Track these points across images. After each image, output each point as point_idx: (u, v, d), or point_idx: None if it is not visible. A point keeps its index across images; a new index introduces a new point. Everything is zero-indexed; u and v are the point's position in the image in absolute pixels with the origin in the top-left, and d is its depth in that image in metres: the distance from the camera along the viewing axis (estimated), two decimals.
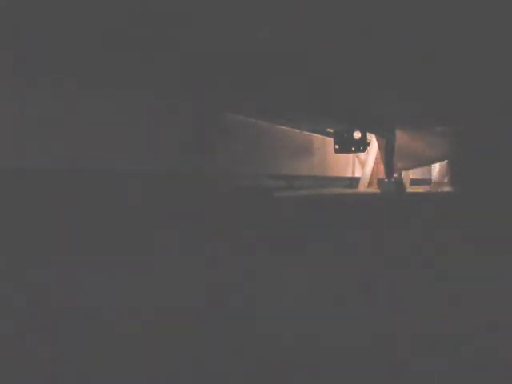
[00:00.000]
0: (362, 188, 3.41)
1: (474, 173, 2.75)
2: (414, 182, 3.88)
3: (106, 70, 1.31)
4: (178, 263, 0.81)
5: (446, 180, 3.02)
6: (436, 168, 3.73)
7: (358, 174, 3.58)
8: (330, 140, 2.78)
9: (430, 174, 3.82)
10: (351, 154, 3.40)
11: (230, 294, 0.63)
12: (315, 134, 3.00)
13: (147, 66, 1.25)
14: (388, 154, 2.60)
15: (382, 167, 2.80)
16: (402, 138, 2.70)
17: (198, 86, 1.53)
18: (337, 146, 2.59)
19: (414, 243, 1.03)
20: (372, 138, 3.28)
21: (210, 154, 1.99)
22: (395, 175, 2.61)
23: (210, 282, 0.68)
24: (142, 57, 1.18)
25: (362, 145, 2.58)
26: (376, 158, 3.41)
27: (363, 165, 3.52)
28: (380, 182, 2.69)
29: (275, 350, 0.45)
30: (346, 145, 2.57)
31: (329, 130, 2.92)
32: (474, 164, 2.70)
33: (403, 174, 2.95)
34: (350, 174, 3.58)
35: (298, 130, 2.76)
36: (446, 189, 3.04)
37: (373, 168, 3.44)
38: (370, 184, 3.42)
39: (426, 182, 3.77)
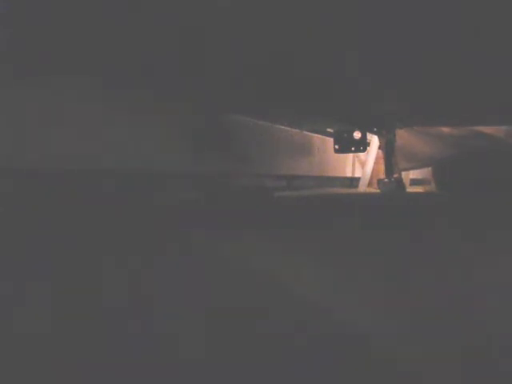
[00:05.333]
0: (362, 188, 3.41)
1: (456, 174, 2.76)
2: (414, 182, 3.88)
3: (113, 71, 1.31)
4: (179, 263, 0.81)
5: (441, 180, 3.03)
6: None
7: (357, 174, 3.58)
8: (330, 140, 2.78)
9: (431, 175, 3.82)
10: (351, 154, 3.40)
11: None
12: (315, 134, 3.00)
13: (154, 66, 1.25)
14: (388, 153, 2.60)
15: (382, 167, 2.81)
16: (402, 138, 2.70)
17: (197, 86, 1.53)
18: (337, 146, 2.60)
19: (413, 239, 1.03)
20: (372, 138, 3.29)
21: (209, 154, 1.99)
22: (395, 175, 2.61)
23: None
24: (147, 59, 1.18)
25: (362, 145, 2.58)
26: (376, 158, 3.42)
27: (363, 165, 3.52)
28: (380, 181, 2.69)
29: None
30: (346, 145, 2.58)
31: (329, 129, 2.92)
32: (456, 166, 2.72)
33: (403, 173, 2.95)
34: (349, 174, 3.59)
35: (298, 130, 2.76)
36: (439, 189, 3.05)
37: (373, 168, 3.45)
38: (369, 184, 3.42)
39: (426, 181, 3.77)
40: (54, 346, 0.47)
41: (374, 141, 3.34)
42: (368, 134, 2.65)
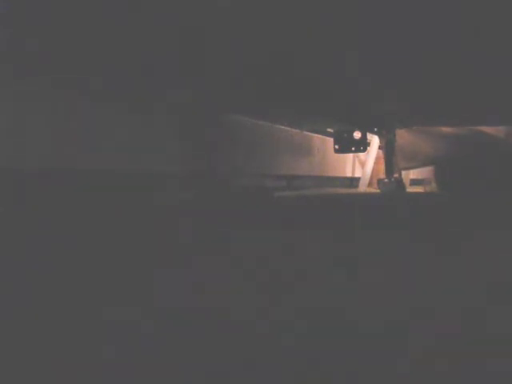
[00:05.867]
0: (362, 188, 3.42)
1: (456, 174, 2.76)
2: (414, 182, 3.87)
3: (113, 71, 1.31)
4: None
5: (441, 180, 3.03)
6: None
7: (357, 174, 3.58)
8: (330, 140, 2.78)
9: (431, 174, 3.81)
10: (351, 154, 3.40)
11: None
12: (315, 134, 3.00)
13: (153, 67, 1.25)
14: (388, 153, 2.60)
15: (382, 167, 2.81)
16: (402, 138, 2.70)
17: (197, 86, 1.53)
18: (337, 146, 2.60)
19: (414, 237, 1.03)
20: (372, 138, 3.29)
21: (210, 154, 1.99)
22: (395, 175, 2.61)
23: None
24: (147, 59, 1.18)
25: (362, 145, 2.58)
26: (376, 158, 3.42)
27: (363, 165, 3.52)
28: (380, 181, 2.70)
29: None
30: (346, 145, 2.58)
31: (329, 129, 2.93)
32: (458, 166, 2.72)
33: (403, 173, 2.95)
34: (349, 174, 3.59)
35: (298, 130, 2.76)
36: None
37: (373, 168, 3.45)
38: (369, 184, 3.42)
39: (426, 181, 3.77)
40: (52, 344, 0.47)
41: (374, 141, 3.34)
42: (368, 133, 2.65)
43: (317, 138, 3.02)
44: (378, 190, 2.75)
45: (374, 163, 3.44)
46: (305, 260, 0.85)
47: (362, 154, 3.39)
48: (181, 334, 0.50)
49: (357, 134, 2.57)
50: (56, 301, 0.60)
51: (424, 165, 3.07)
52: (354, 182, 3.60)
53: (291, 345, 0.47)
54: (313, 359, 0.44)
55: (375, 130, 2.64)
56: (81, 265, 0.78)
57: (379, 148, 3.26)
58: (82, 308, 0.58)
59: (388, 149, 2.59)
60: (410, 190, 3.22)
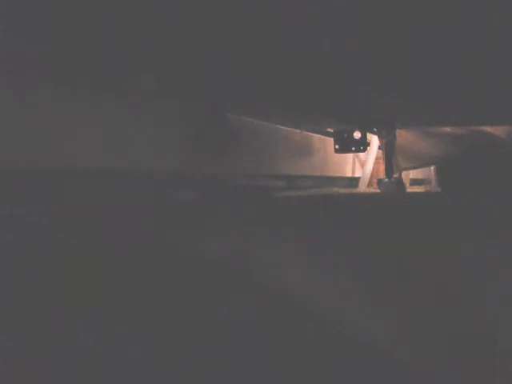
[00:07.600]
0: (362, 188, 3.41)
1: (458, 173, 2.76)
2: (414, 182, 3.87)
3: (113, 71, 1.31)
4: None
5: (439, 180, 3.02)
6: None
7: (358, 174, 3.58)
8: (330, 140, 2.78)
9: (431, 174, 3.81)
10: (351, 154, 3.40)
11: None
12: (315, 134, 3.00)
13: (153, 66, 1.25)
14: (388, 153, 2.60)
15: (382, 167, 2.81)
16: (403, 137, 2.70)
17: (197, 86, 1.53)
18: (337, 146, 2.60)
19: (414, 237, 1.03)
20: (372, 138, 3.29)
21: (210, 154, 2.00)
22: (395, 175, 2.61)
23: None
24: (149, 58, 1.18)
25: (362, 145, 2.58)
26: (376, 158, 3.42)
27: (363, 165, 3.52)
28: (380, 181, 2.69)
29: None
30: (346, 145, 2.58)
31: (329, 129, 2.92)
32: (458, 165, 2.72)
33: (403, 173, 2.95)
34: (349, 174, 3.58)
35: (298, 130, 2.76)
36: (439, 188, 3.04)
37: (373, 168, 3.45)
38: (369, 184, 3.42)
39: (426, 181, 3.77)
40: (52, 343, 0.47)
41: (374, 141, 3.34)
42: (368, 133, 2.65)
43: (317, 138, 3.02)
44: (378, 190, 2.75)
45: (374, 163, 3.44)
46: (305, 260, 0.85)
47: (362, 154, 3.39)
48: (176, 335, 0.50)
49: (357, 134, 2.57)
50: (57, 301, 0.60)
51: (424, 165, 3.07)
52: (353, 182, 3.60)
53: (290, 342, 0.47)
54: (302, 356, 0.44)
55: (375, 130, 2.64)
56: (80, 265, 0.78)
57: (379, 148, 3.25)
58: (83, 310, 0.58)
59: (388, 149, 2.59)
60: (410, 190, 3.22)
